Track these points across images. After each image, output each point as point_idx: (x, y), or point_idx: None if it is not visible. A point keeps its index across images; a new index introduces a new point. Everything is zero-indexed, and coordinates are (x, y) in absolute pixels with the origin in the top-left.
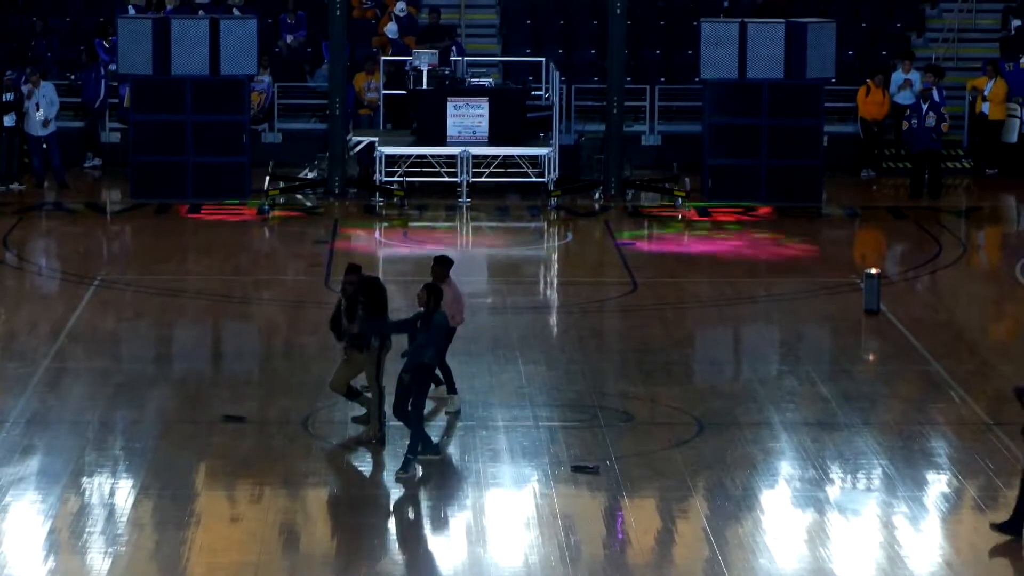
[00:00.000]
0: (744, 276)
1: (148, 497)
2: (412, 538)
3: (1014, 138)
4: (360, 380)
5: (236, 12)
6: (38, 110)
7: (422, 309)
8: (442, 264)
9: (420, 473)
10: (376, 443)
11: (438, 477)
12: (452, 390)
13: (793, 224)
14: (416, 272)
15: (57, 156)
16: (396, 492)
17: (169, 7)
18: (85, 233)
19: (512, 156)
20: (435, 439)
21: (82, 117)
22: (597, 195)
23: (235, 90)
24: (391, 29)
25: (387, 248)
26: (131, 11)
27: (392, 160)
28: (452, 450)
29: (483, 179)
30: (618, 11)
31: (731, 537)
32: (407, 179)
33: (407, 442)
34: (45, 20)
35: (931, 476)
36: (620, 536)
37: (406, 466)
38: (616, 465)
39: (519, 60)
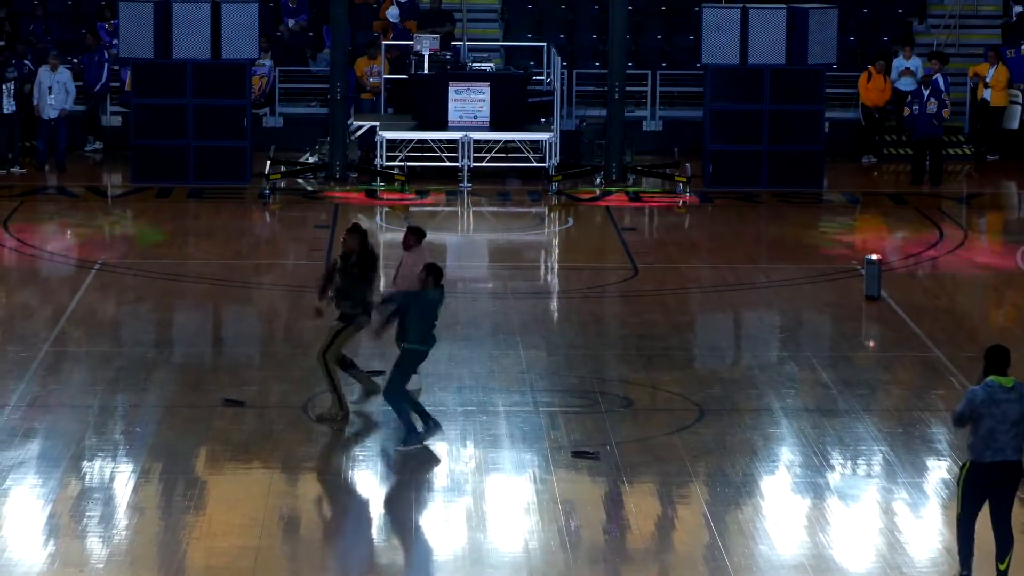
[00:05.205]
0: (745, 262)
1: (148, 481)
2: (411, 523)
3: (1015, 124)
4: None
5: None
6: (50, 94)
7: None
8: (415, 233)
9: (423, 444)
10: (341, 420)
11: (437, 462)
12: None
13: (794, 210)
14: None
15: (63, 139)
16: (396, 477)
17: None
18: (86, 217)
19: (513, 141)
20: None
21: (84, 101)
22: (598, 180)
23: (236, 74)
24: (392, 13)
25: (388, 233)
26: None
27: (393, 145)
28: (452, 435)
29: (484, 164)
30: None
31: (731, 523)
32: (408, 164)
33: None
34: (44, 4)
35: (931, 462)
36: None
37: (406, 440)
38: (616, 450)
39: (520, 45)
